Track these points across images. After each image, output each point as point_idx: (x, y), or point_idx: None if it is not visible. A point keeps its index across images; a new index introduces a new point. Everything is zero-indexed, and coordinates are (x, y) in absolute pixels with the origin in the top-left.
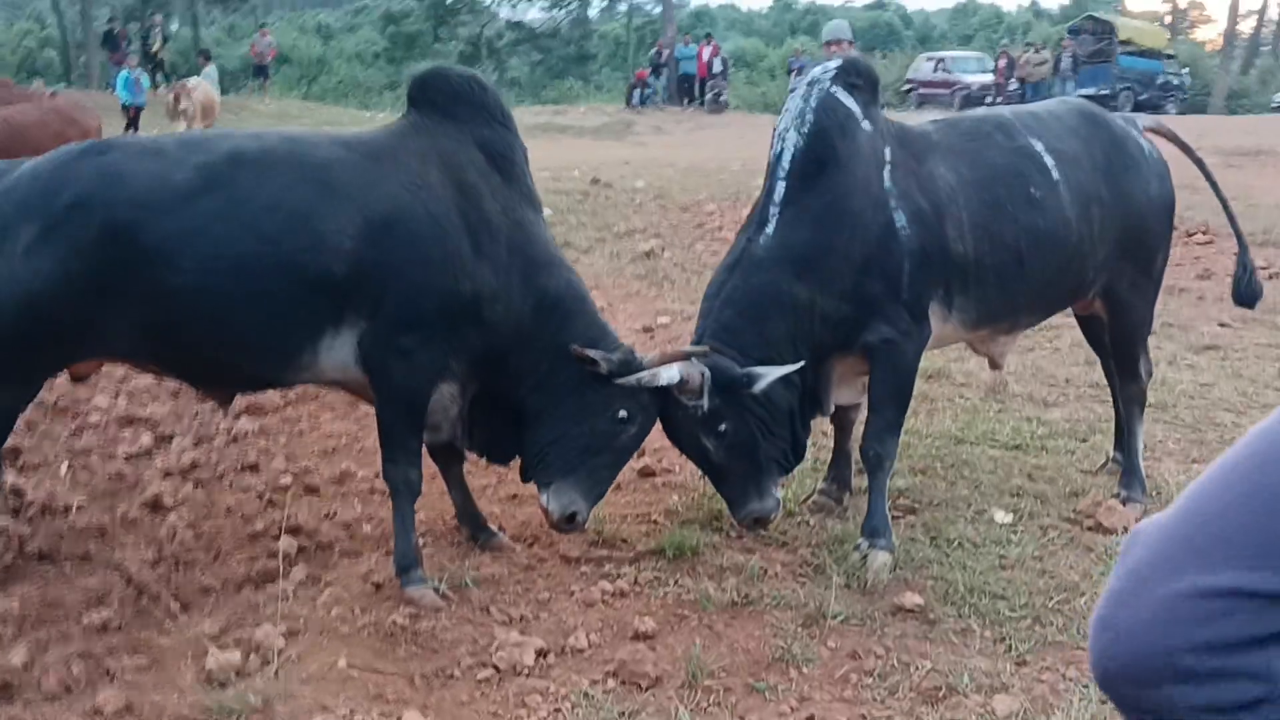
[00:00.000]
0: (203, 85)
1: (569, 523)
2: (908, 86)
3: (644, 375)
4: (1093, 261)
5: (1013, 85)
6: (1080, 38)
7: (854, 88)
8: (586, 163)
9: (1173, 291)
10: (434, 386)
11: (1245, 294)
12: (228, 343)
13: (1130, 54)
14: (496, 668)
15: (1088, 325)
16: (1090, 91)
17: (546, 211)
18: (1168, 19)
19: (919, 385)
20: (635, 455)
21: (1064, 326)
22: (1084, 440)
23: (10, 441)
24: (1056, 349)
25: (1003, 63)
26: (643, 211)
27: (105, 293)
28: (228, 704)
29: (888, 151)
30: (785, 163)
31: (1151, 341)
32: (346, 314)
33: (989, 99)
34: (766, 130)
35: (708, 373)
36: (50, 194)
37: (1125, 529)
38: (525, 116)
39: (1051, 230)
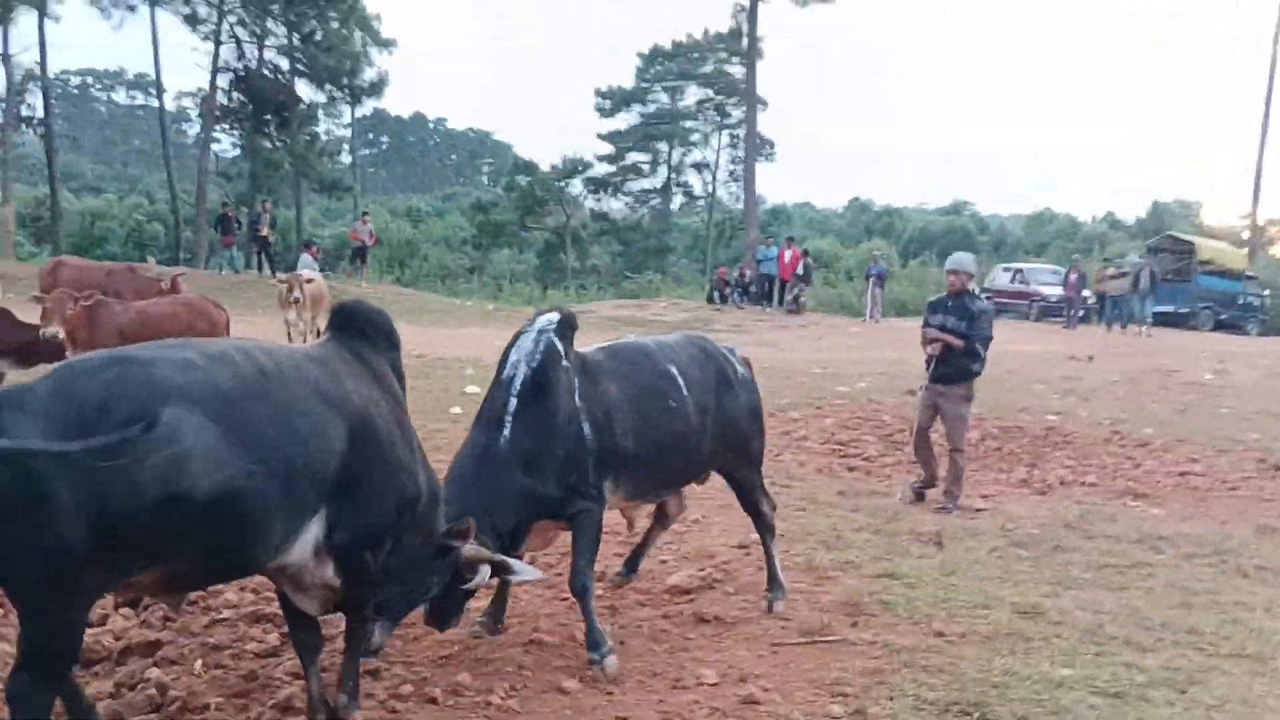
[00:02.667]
0: (317, 279)
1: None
2: (985, 295)
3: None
4: (708, 451)
5: (1089, 299)
6: (1160, 256)
7: (564, 335)
8: None
9: (1265, 532)
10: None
11: None
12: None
13: (1210, 274)
14: None
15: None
16: (1169, 309)
17: None
18: (1245, 234)
19: (1013, 623)
20: None
21: (1158, 565)
22: (1183, 692)
23: (152, 634)
24: (1150, 589)
25: (1073, 277)
26: None
27: None
28: None
29: (576, 380)
30: (516, 385)
31: (1245, 584)
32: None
33: (1065, 311)
34: (844, 332)
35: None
36: None
37: None
38: (607, 309)
39: (683, 431)
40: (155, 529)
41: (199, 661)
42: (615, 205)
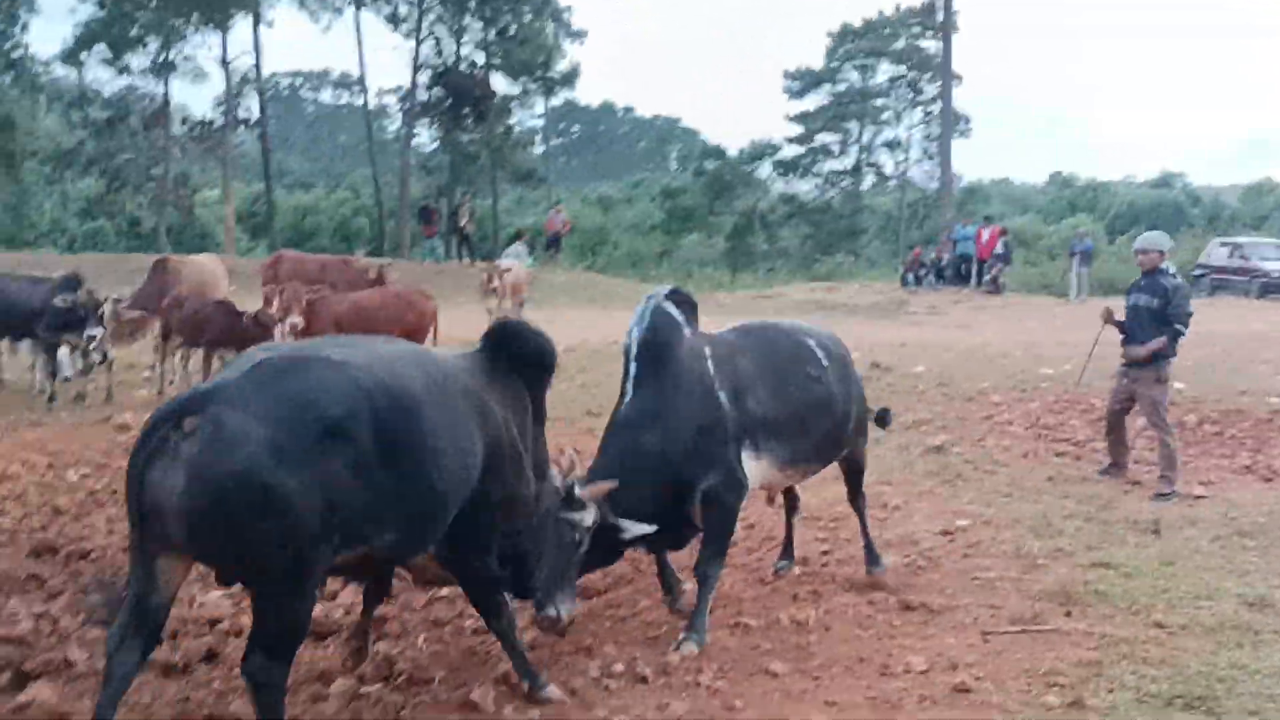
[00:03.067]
0: (515, 267)
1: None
2: (1199, 272)
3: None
4: (848, 426)
5: None
6: None
7: (679, 304)
8: (863, 343)
9: None
10: None
11: None
12: None
13: None
14: None
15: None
16: None
17: None
18: None
19: (1239, 615)
20: None
21: None
22: None
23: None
24: None
25: None
26: (926, 399)
27: None
28: None
29: (707, 347)
30: (633, 350)
31: None
32: None
33: None
34: (1047, 313)
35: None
36: None
37: None
38: (797, 293)
39: (826, 399)
40: (371, 518)
41: (421, 636)
42: (804, 187)
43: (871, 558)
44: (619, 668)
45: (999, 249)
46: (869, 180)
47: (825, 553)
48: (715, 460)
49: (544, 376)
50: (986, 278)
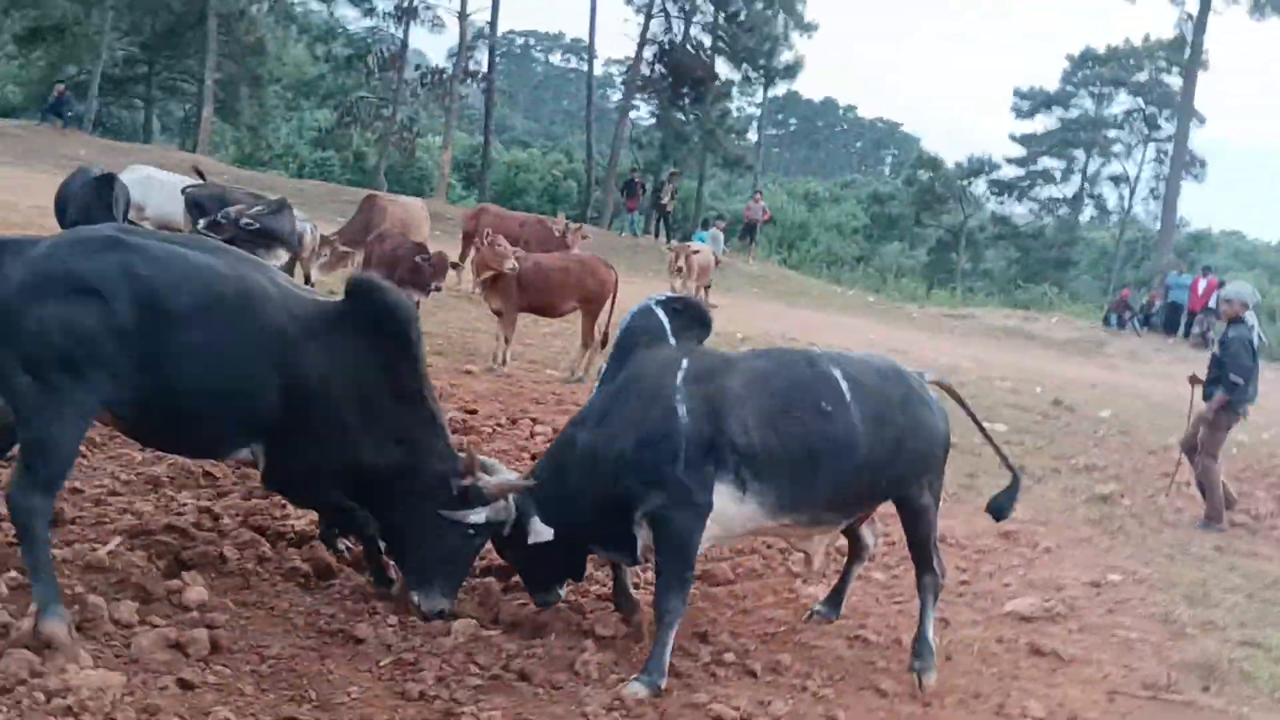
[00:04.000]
0: (704, 250)
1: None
2: None
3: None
4: (886, 469)
5: None
6: None
7: (673, 312)
8: (1051, 380)
9: None
10: None
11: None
12: None
13: None
14: None
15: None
16: None
17: (1002, 427)
18: None
19: None
20: None
21: None
22: None
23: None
24: None
25: None
26: (1105, 446)
27: None
28: None
29: (685, 360)
30: (612, 347)
31: None
32: None
33: None
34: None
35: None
36: None
37: None
38: (991, 317)
39: (843, 438)
40: (112, 374)
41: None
42: (1018, 210)
43: (919, 651)
44: (730, 657)
45: (1212, 303)
46: (1088, 213)
47: (964, 582)
48: (661, 478)
49: (401, 345)
50: (1196, 330)
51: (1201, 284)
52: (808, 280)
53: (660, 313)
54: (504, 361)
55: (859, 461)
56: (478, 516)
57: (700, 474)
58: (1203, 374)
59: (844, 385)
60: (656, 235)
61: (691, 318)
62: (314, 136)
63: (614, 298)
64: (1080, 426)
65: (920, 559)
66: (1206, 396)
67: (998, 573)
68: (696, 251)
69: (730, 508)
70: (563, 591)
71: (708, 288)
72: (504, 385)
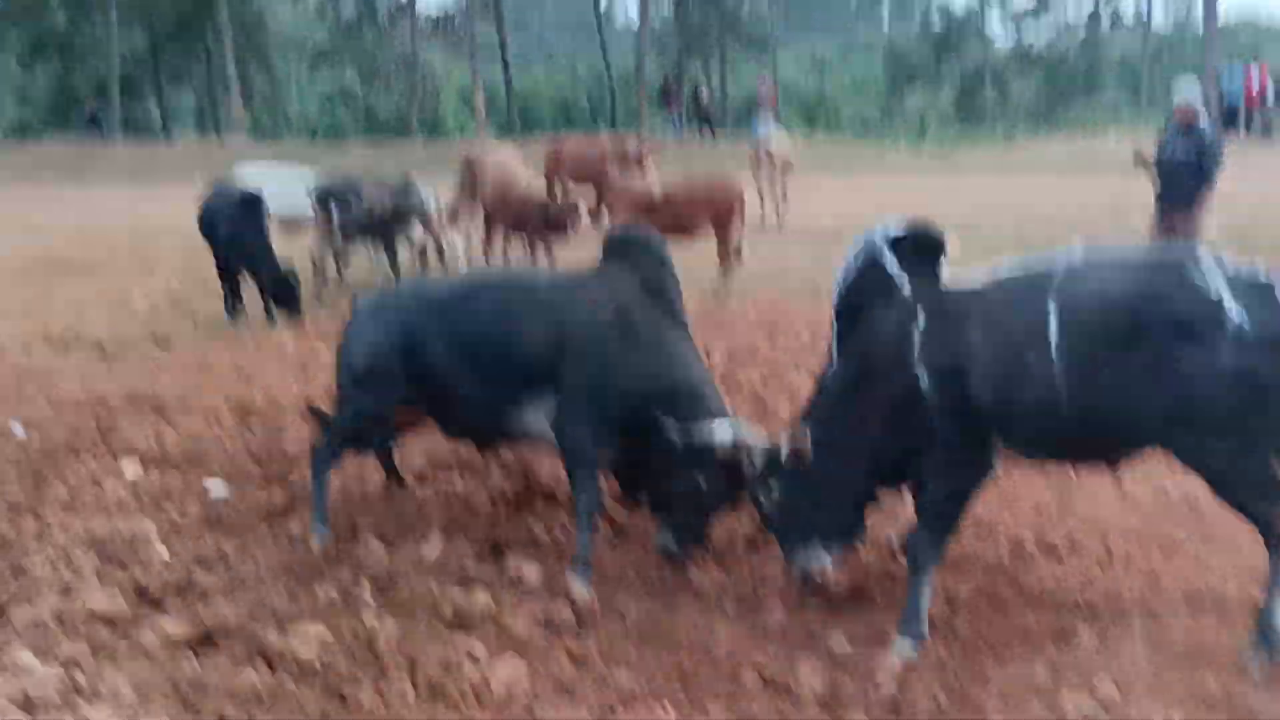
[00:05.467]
0: (780, 137)
1: None
2: None
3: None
4: (1108, 419)
5: None
6: None
7: (903, 251)
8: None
9: None
10: None
11: None
12: None
13: None
14: None
15: None
16: None
17: None
18: None
19: None
20: None
21: None
22: None
23: None
24: None
25: None
26: None
27: None
28: None
29: (921, 317)
30: (834, 306)
31: None
32: None
33: None
34: None
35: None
36: None
37: None
38: (1047, 147)
39: (1046, 397)
40: None
41: None
42: (1036, 37)
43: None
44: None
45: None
46: (1105, 23)
47: None
48: (930, 446)
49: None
50: (1256, 123)
51: (1254, 74)
52: (844, 148)
53: (888, 256)
54: None
55: (1068, 413)
56: (724, 435)
57: (959, 435)
58: None
59: (1052, 329)
60: (701, 134)
61: (922, 248)
62: (325, 98)
63: (742, 213)
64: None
65: (1237, 507)
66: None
67: None
68: (770, 140)
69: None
70: (829, 560)
71: (787, 174)
72: None
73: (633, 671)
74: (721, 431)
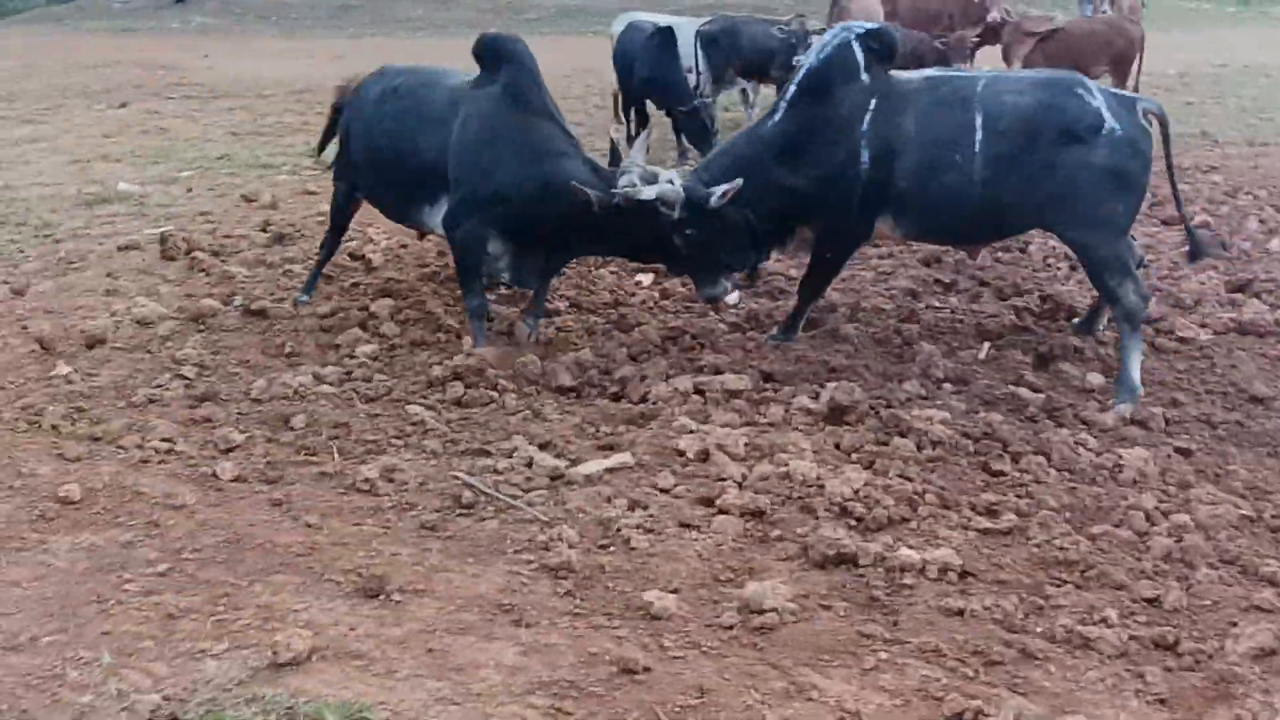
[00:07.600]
0: None
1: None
2: None
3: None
4: (1014, 205)
5: None
6: None
7: (869, 47)
8: None
9: None
10: None
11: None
12: None
13: None
14: None
15: None
16: None
17: None
18: None
19: None
20: None
21: None
22: None
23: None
24: None
25: None
26: None
27: None
28: None
29: (874, 100)
30: (799, 74)
31: None
32: None
33: None
34: None
35: (681, 192)
36: None
37: None
38: None
39: (968, 188)
40: None
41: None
42: None
43: (1122, 387)
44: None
45: None
46: None
47: None
48: (841, 213)
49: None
50: None
51: None
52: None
53: (856, 48)
54: None
55: (983, 202)
56: (649, 193)
57: (871, 212)
58: None
59: (978, 130)
60: None
61: (883, 47)
62: None
63: (1141, 55)
64: None
65: (1096, 285)
66: None
67: None
68: None
69: (883, 231)
70: (730, 288)
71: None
72: None
73: None
74: (648, 188)
